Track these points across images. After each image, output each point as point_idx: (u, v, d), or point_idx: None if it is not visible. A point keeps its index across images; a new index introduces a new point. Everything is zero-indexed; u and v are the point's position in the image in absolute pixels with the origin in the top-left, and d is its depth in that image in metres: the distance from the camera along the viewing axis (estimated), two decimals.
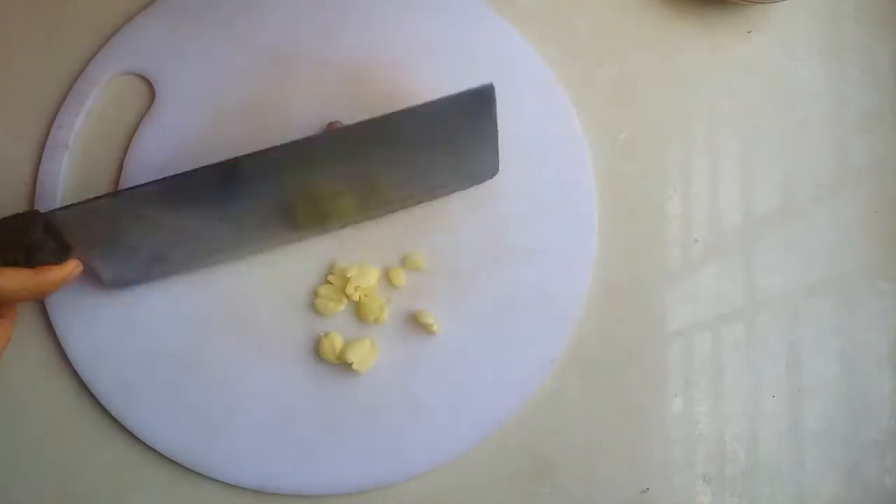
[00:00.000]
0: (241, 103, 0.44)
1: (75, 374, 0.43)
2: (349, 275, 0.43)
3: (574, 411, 0.44)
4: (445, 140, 0.41)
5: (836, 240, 0.47)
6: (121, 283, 0.42)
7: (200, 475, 0.42)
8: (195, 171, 0.38)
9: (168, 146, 0.44)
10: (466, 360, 0.43)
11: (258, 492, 0.42)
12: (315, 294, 0.43)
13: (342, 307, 0.43)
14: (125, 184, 0.44)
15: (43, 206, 0.44)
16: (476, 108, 0.40)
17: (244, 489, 0.42)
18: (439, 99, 0.38)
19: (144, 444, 0.42)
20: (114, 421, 0.42)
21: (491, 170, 0.43)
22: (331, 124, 0.43)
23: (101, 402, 0.42)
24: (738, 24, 0.48)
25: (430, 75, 0.45)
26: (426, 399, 0.42)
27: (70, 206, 0.37)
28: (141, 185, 0.37)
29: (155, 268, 0.42)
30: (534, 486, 0.43)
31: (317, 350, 0.43)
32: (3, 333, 0.40)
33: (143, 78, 0.45)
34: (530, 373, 0.43)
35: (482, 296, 0.43)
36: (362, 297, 0.43)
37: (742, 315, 0.45)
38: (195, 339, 0.43)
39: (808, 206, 0.47)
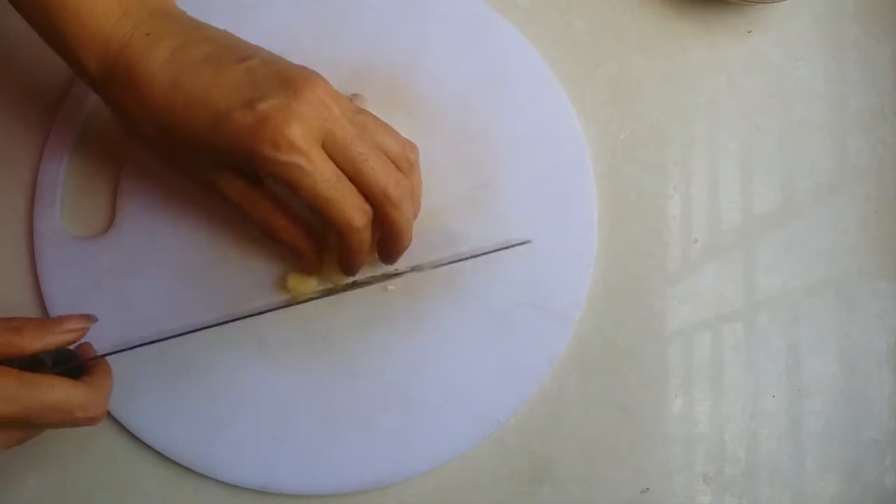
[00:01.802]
0: None
1: None
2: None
3: (574, 411, 0.44)
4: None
5: (835, 240, 0.47)
6: None
7: (201, 475, 0.42)
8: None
9: None
10: (466, 360, 0.43)
11: (259, 491, 0.42)
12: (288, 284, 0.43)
13: (315, 285, 0.43)
14: (125, 184, 0.44)
15: (43, 207, 0.44)
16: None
17: (245, 489, 0.42)
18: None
19: (144, 443, 0.42)
20: (114, 421, 0.42)
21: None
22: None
23: None
24: (738, 25, 0.48)
25: (430, 75, 0.45)
26: (426, 399, 0.42)
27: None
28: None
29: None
30: (534, 485, 0.43)
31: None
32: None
33: None
34: (530, 373, 0.43)
35: (482, 295, 0.44)
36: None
37: (742, 315, 0.45)
38: (195, 340, 0.43)
39: (808, 206, 0.47)
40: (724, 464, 0.44)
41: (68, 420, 0.35)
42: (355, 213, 0.37)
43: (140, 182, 0.44)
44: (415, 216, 0.41)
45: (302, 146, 0.35)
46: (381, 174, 0.37)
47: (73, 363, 0.37)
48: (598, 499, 0.43)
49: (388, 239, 0.40)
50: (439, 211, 0.44)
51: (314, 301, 0.43)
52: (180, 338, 0.42)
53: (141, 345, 0.37)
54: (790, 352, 0.45)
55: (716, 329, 0.45)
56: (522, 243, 0.41)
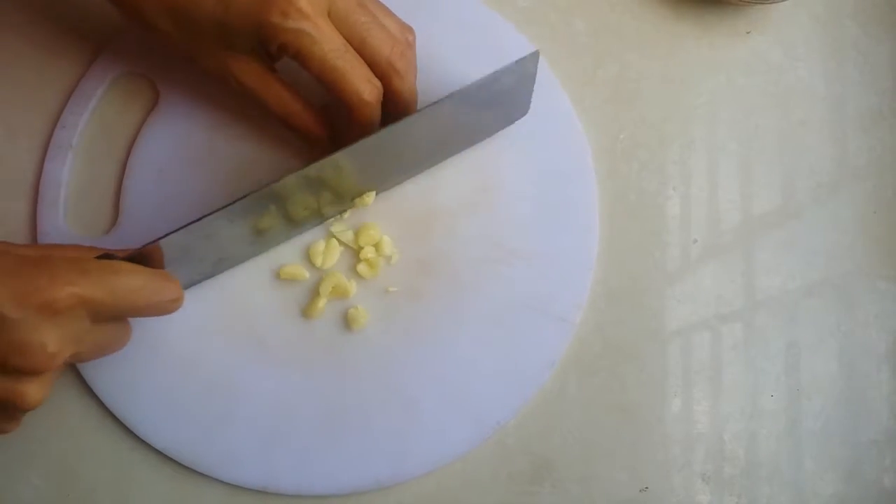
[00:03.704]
0: (244, 104, 0.44)
1: (77, 373, 0.43)
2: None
3: (574, 411, 0.44)
4: (485, 109, 0.42)
5: (835, 239, 0.47)
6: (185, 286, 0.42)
7: (201, 475, 0.42)
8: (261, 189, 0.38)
9: (171, 147, 0.44)
10: (466, 362, 0.43)
11: (259, 491, 0.42)
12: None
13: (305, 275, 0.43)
14: (128, 183, 0.44)
15: (45, 207, 0.44)
16: (520, 74, 0.41)
17: (245, 489, 0.42)
18: (486, 77, 0.39)
19: (145, 443, 0.42)
20: (115, 420, 0.42)
21: (522, 111, 0.44)
22: None
23: (102, 400, 0.42)
24: (738, 25, 0.49)
25: (430, 77, 0.44)
26: (426, 401, 0.42)
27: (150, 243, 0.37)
28: (210, 213, 0.38)
29: (218, 267, 0.43)
30: (534, 485, 0.43)
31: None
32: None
33: (148, 78, 0.46)
34: (530, 375, 0.43)
35: (482, 297, 0.43)
36: (351, 310, 0.43)
37: (741, 315, 0.46)
38: (195, 339, 0.43)
39: (808, 206, 0.47)
40: (723, 463, 0.44)
41: (153, 305, 0.36)
42: (365, 84, 0.38)
43: (143, 181, 0.44)
44: None
45: (309, 12, 0.36)
46: (385, 44, 0.38)
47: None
48: (598, 498, 0.43)
49: (393, 114, 0.40)
50: (440, 214, 0.44)
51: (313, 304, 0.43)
52: (180, 340, 0.42)
53: (193, 222, 0.37)
54: (789, 351, 0.45)
55: (715, 329, 0.45)
56: (531, 54, 0.40)
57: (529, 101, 0.44)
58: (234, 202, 0.38)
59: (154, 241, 0.37)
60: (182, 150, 0.44)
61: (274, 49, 0.37)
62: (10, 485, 0.42)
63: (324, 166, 0.39)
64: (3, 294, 0.31)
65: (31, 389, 0.33)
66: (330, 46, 0.37)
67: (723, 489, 0.44)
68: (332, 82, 0.38)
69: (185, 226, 0.37)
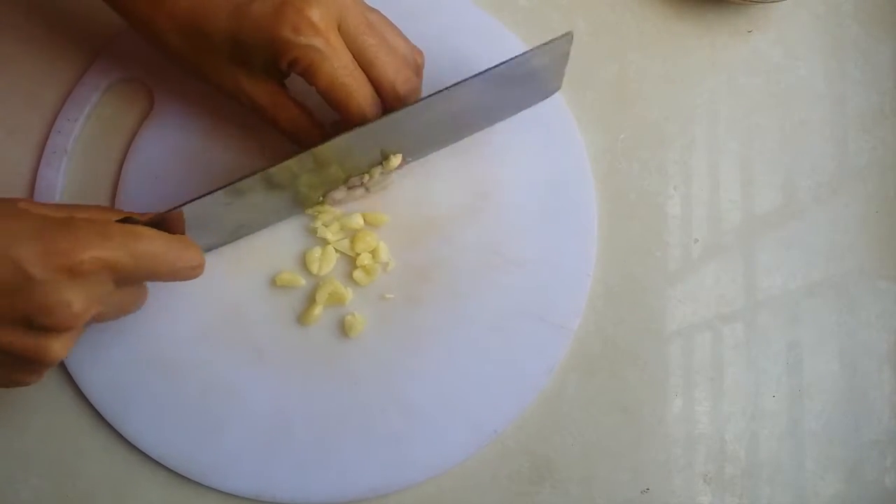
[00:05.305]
0: (239, 111, 0.44)
1: (71, 381, 0.42)
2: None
3: (574, 411, 0.44)
4: (517, 86, 0.42)
5: (836, 239, 0.47)
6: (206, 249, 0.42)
7: (196, 483, 0.42)
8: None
9: (166, 152, 0.44)
10: (464, 369, 0.43)
11: (254, 500, 0.41)
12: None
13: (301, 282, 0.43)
14: (123, 189, 0.44)
15: None
16: (553, 54, 0.41)
17: (240, 497, 0.42)
18: (518, 57, 0.39)
19: (140, 451, 0.42)
20: (110, 428, 0.42)
21: (555, 87, 0.44)
22: None
23: (97, 408, 0.42)
24: (739, 24, 0.48)
25: (429, 80, 0.44)
26: (424, 408, 0.42)
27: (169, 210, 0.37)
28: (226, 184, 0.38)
29: (237, 232, 0.43)
30: (534, 486, 0.43)
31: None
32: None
33: (143, 84, 0.45)
34: (528, 382, 0.43)
35: (480, 304, 0.43)
36: (348, 317, 0.43)
37: (742, 315, 0.45)
38: (191, 346, 0.42)
39: (808, 206, 0.47)
40: (724, 464, 0.44)
41: (173, 270, 0.36)
42: (369, 104, 0.38)
43: (138, 187, 0.44)
44: None
45: (321, 28, 0.36)
46: (390, 68, 0.39)
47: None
48: (599, 499, 0.43)
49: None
50: (437, 221, 0.44)
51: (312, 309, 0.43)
52: (175, 347, 0.42)
53: (211, 192, 0.37)
54: (790, 352, 0.45)
55: (716, 329, 0.45)
56: (564, 35, 0.39)
57: (562, 79, 0.44)
58: (255, 173, 0.38)
59: (176, 207, 0.37)
60: (177, 155, 0.44)
61: (285, 65, 0.37)
62: (9, 485, 0.42)
63: (354, 135, 0.39)
64: (29, 254, 0.32)
65: (55, 345, 0.34)
66: (339, 63, 0.37)
67: (724, 490, 0.44)
68: (338, 99, 0.38)
69: (207, 194, 0.37)
